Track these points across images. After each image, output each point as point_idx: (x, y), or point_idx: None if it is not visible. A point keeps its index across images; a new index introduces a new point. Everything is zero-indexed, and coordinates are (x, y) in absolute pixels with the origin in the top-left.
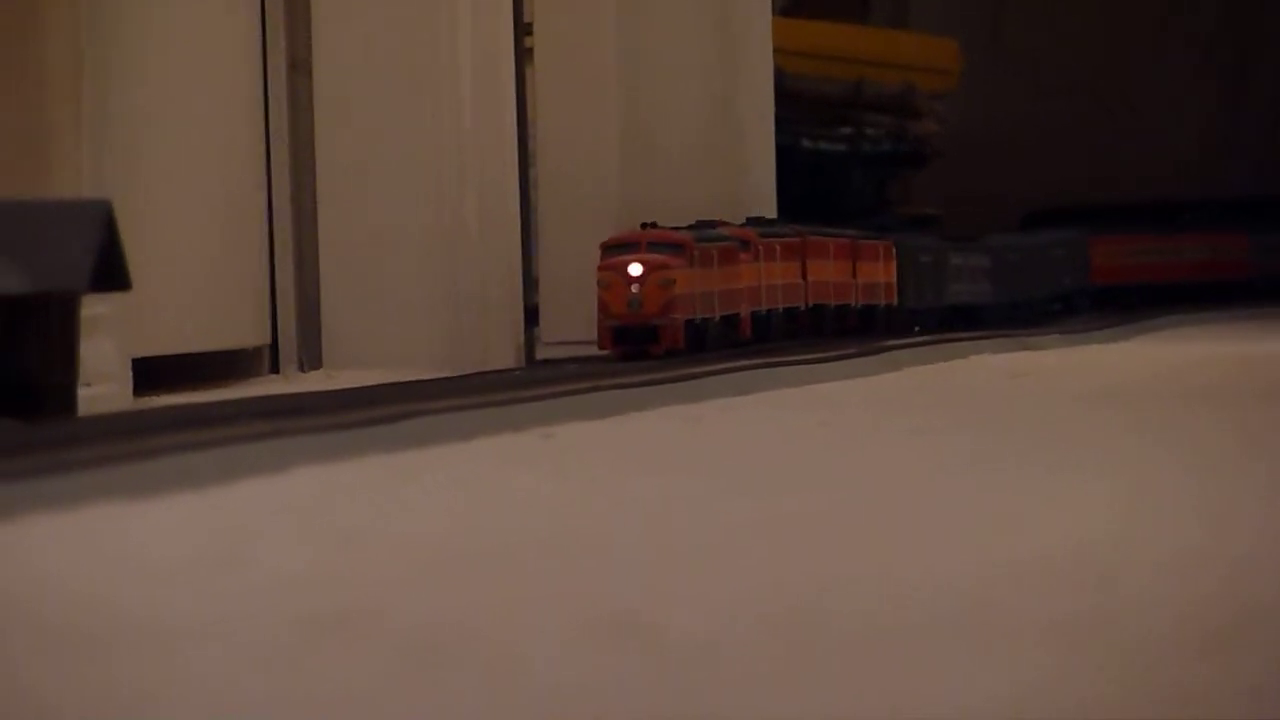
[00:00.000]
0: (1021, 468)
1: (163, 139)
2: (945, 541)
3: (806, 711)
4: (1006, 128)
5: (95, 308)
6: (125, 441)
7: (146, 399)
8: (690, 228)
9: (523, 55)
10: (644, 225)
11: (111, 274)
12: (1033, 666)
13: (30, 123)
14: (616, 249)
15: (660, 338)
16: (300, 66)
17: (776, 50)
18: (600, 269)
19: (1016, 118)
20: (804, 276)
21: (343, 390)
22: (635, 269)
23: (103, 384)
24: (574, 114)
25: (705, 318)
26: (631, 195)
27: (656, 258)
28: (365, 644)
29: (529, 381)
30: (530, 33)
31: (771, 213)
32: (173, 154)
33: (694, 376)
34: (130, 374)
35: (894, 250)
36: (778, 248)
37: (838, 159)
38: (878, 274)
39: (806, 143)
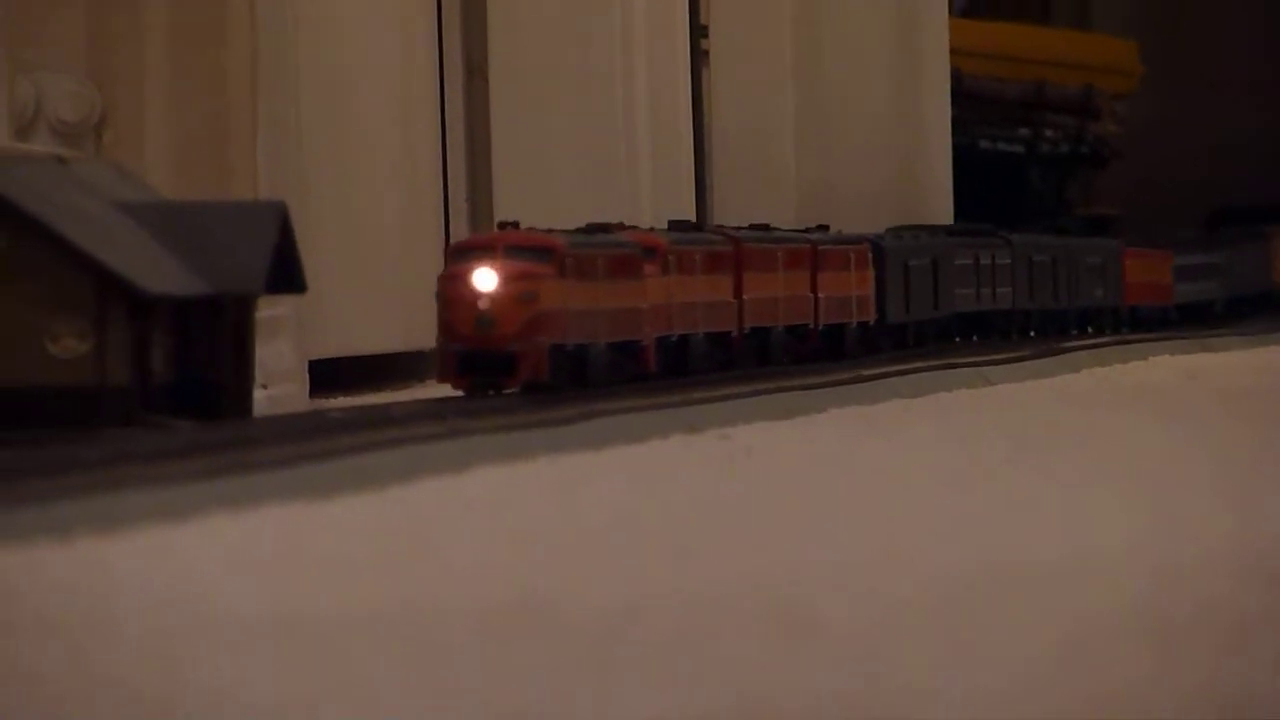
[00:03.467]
0: (1201, 467)
1: (340, 143)
2: (1111, 543)
3: (958, 690)
4: (1188, 129)
5: (271, 310)
6: (301, 443)
7: (322, 401)
8: (577, 230)
9: (699, 58)
10: (502, 225)
11: (287, 276)
12: (1190, 662)
13: (209, 127)
14: (465, 254)
15: (517, 368)
16: (477, 71)
17: (954, 51)
18: (441, 279)
19: (1198, 119)
20: (738, 294)
21: (517, 392)
22: (485, 279)
23: (279, 386)
24: (750, 114)
25: (584, 344)
26: (807, 196)
27: (516, 265)
28: (541, 635)
29: (708, 383)
30: (706, 35)
31: (947, 214)
32: (349, 158)
33: (872, 378)
34: (306, 376)
35: (870, 256)
36: (698, 258)
37: (1016, 159)
38: (847, 286)
39: (985, 143)
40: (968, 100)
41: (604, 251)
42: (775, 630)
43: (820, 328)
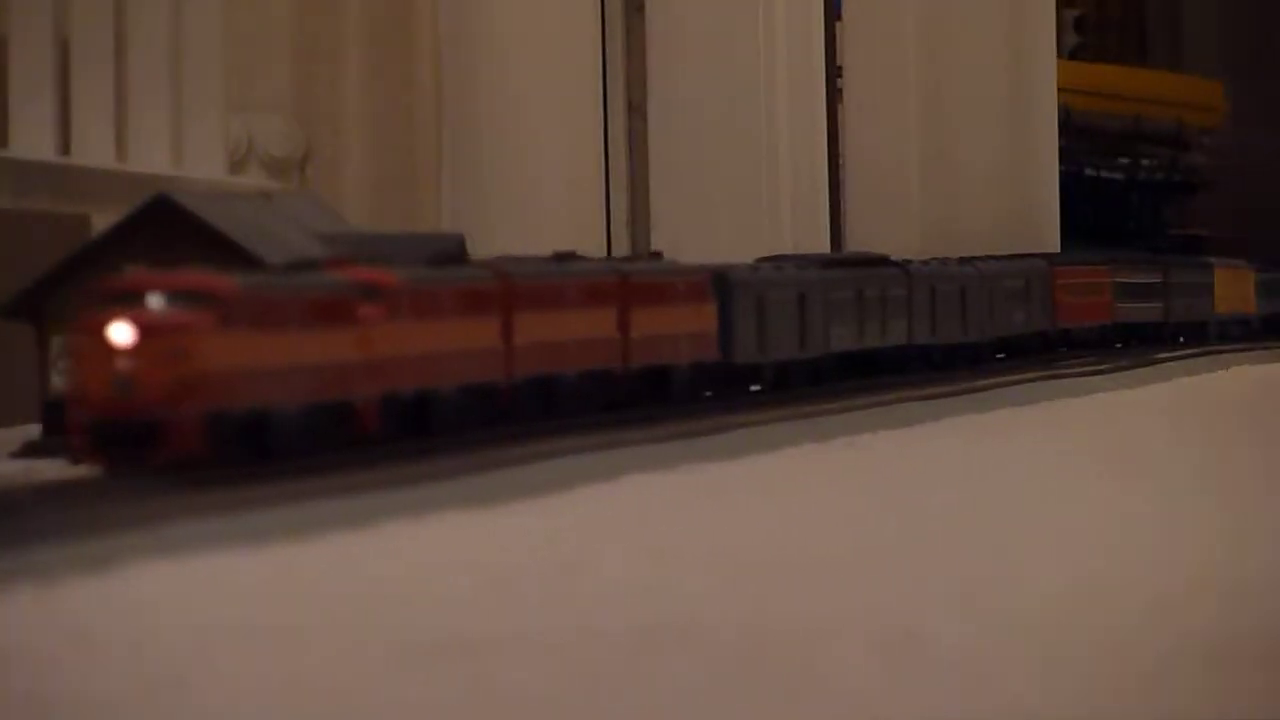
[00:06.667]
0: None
1: (514, 177)
2: (1186, 558)
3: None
4: (1271, 159)
5: None
6: (474, 455)
7: None
8: (278, 267)
9: (834, 96)
10: (156, 263)
11: None
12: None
13: (399, 164)
14: (103, 301)
15: (165, 439)
16: (636, 109)
17: (1063, 89)
18: (72, 331)
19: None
20: (507, 338)
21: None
22: (122, 333)
23: None
24: (879, 147)
25: (265, 409)
26: (931, 226)
27: (162, 315)
28: (680, 656)
29: (835, 393)
30: (841, 75)
31: (1055, 239)
32: (523, 191)
33: (985, 389)
34: None
35: (710, 289)
36: (448, 297)
37: (1117, 185)
38: (674, 322)
39: (1089, 171)
40: (1074, 133)
41: (297, 294)
42: (888, 653)
43: (633, 371)
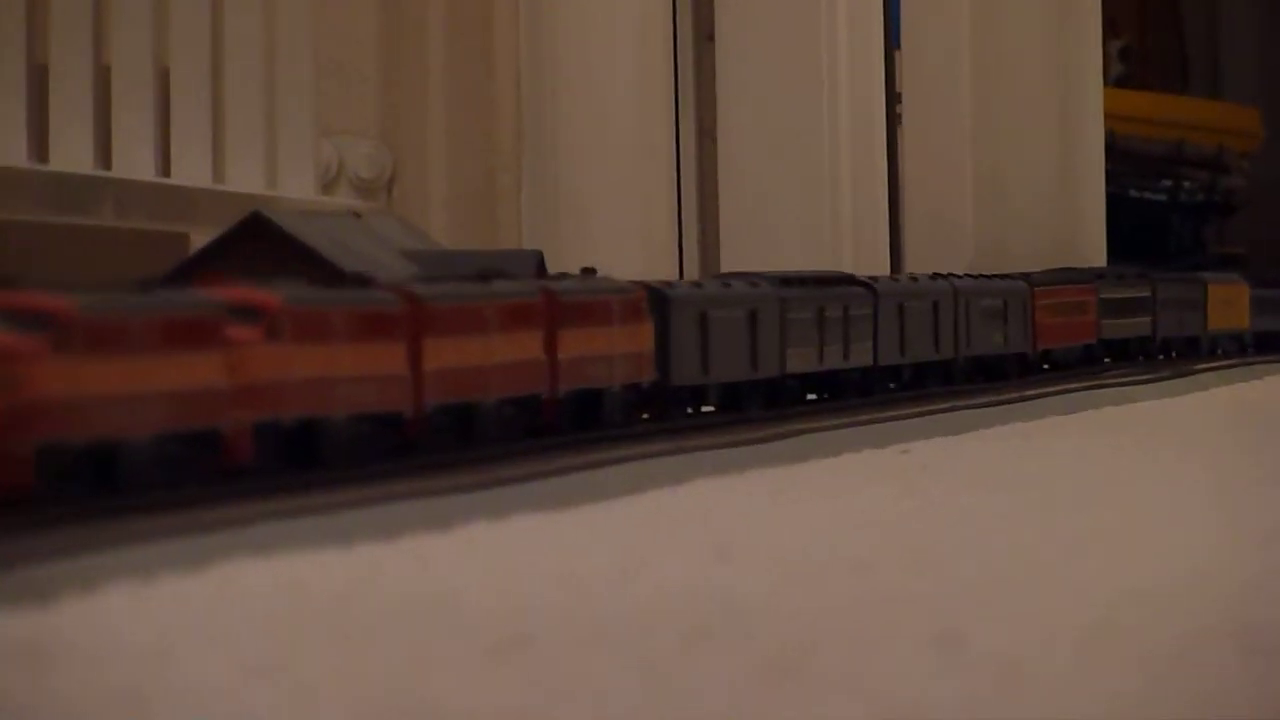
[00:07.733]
0: None
1: (589, 199)
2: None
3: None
4: None
5: None
6: (547, 460)
7: None
8: (130, 286)
9: (894, 121)
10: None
11: None
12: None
13: (481, 185)
14: None
15: None
16: (707, 133)
17: (1109, 116)
18: None
19: None
20: (416, 364)
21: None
22: None
23: None
24: (934, 169)
25: (107, 438)
26: (983, 246)
27: None
28: (733, 654)
29: (891, 402)
30: (900, 101)
31: (1100, 257)
32: (598, 212)
33: (1032, 398)
34: None
35: (646, 307)
36: (341, 320)
37: (1160, 207)
38: (607, 343)
39: (1134, 193)
40: (1119, 156)
41: (151, 315)
42: (931, 657)
43: (560, 395)
